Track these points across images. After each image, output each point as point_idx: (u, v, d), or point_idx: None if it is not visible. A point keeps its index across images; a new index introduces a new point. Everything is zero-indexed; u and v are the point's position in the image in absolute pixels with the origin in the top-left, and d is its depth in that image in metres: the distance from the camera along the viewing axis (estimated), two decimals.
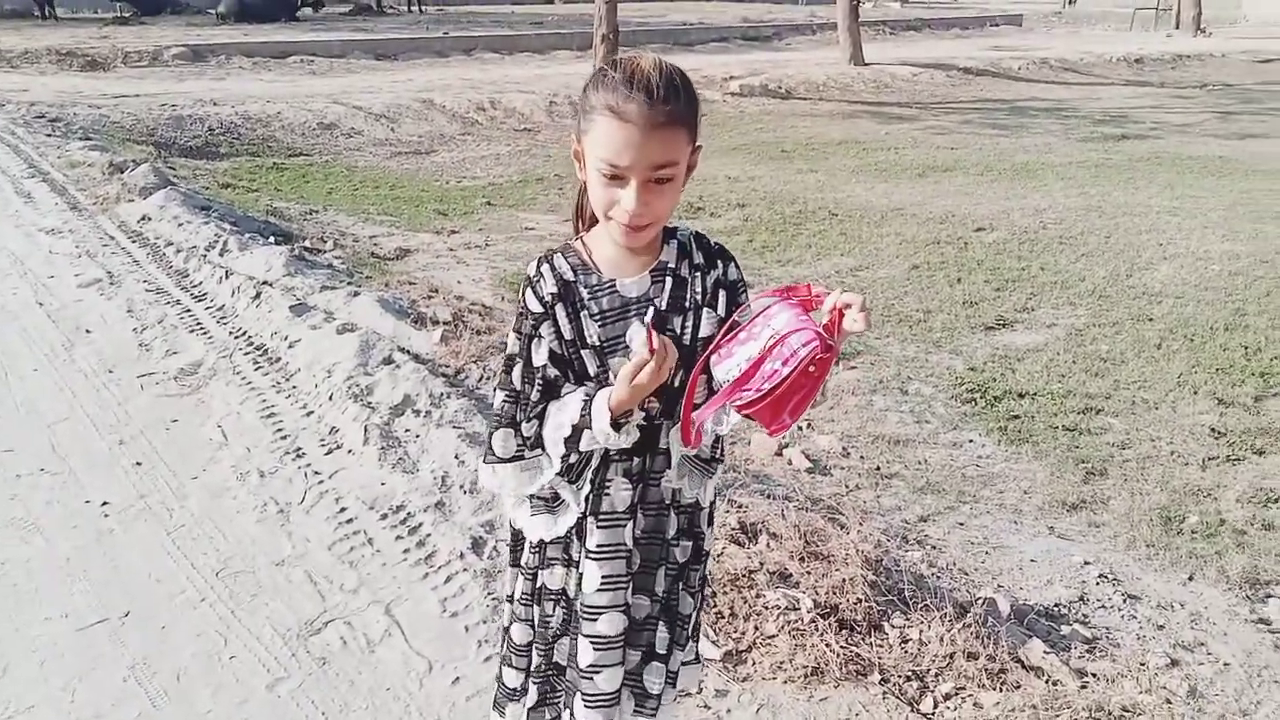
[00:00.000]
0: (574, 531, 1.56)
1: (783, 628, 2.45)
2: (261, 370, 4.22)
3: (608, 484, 1.53)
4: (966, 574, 2.95)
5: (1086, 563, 3.05)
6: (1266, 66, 20.63)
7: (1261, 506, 3.37)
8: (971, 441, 3.90)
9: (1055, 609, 2.81)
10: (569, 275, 1.49)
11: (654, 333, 1.38)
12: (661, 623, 1.63)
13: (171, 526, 3.07)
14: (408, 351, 4.22)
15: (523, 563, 1.64)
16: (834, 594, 2.55)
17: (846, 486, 3.50)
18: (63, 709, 2.31)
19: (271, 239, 6.18)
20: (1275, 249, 6.53)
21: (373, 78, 15.16)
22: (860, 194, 8.43)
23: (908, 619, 2.51)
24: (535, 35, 21.10)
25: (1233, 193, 8.41)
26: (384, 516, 3.10)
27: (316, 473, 3.39)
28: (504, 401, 1.52)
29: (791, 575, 2.65)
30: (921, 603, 2.55)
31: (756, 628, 2.47)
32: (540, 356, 1.48)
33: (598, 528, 1.53)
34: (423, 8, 28.13)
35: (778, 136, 11.71)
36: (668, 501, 1.58)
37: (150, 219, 6.48)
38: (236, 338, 4.57)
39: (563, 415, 1.47)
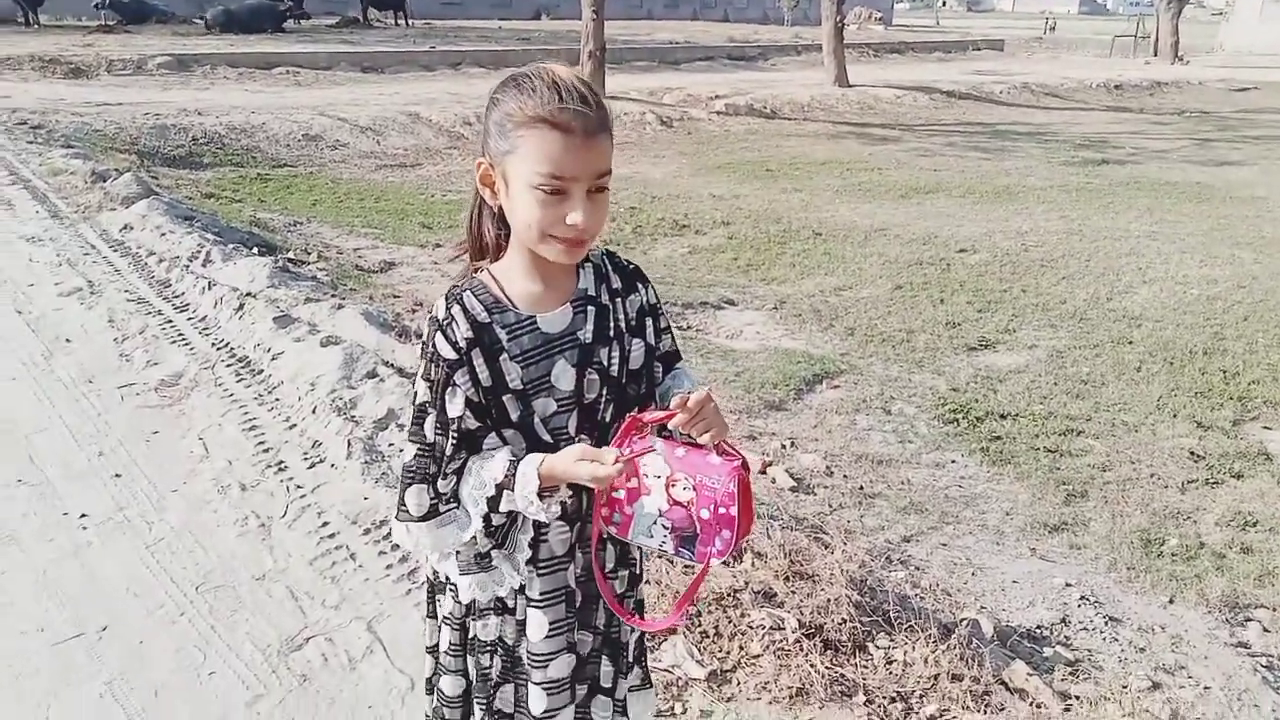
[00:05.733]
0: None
1: (767, 647, 2.44)
2: (244, 382, 4.18)
3: (544, 531, 1.46)
4: (950, 595, 2.96)
5: (1068, 584, 3.06)
6: (1242, 95, 20.99)
7: (1240, 530, 3.40)
8: (954, 462, 3.92)
9: (1038, 631, 2.82)
10: (483, 316, 1.38)
11: (624, 455, 1.34)
12: (604, 655, 1.58)
13: (151, 540, 3.03)
14: (392, 365, 4.20)
15: (448, 614, 1.54)
16: (819, 614, 2.55)
17: (830, 506, 3.51)
18: None
19: (255, 250, 6.15)
20: (1252, 274, 6.62)
21: (359, 90, 15.15)
22: (844, 214, 8.49)
23: (892, 639, 2.52)
24: (522, 50, 21.14)
25: (1210, 218, 8.53)
26: (367, 531, 3.07)
27: (299, 486, 3.36)
28: (417, 455, 1.40)
29: (776, 595, 2.65)
30: (906, 623, 2.55)
31: (741, 647, 2.47)
32: (456, 407, 1.37)
33: (539, 576, 1.47)
34: (409, 22, 28.18)
35: (763, 156, 11.78)
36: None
37: (132, 228, 6.44)
38: (219, 349, 4.53)
39: (485, 473, 1.38)
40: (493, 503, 1.38)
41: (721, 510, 1.36)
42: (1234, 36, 35.55)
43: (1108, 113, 17.59)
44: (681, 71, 20.52)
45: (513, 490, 1.36)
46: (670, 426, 1.38)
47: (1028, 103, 18.51)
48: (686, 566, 2.67)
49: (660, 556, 1.49)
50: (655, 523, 1.40)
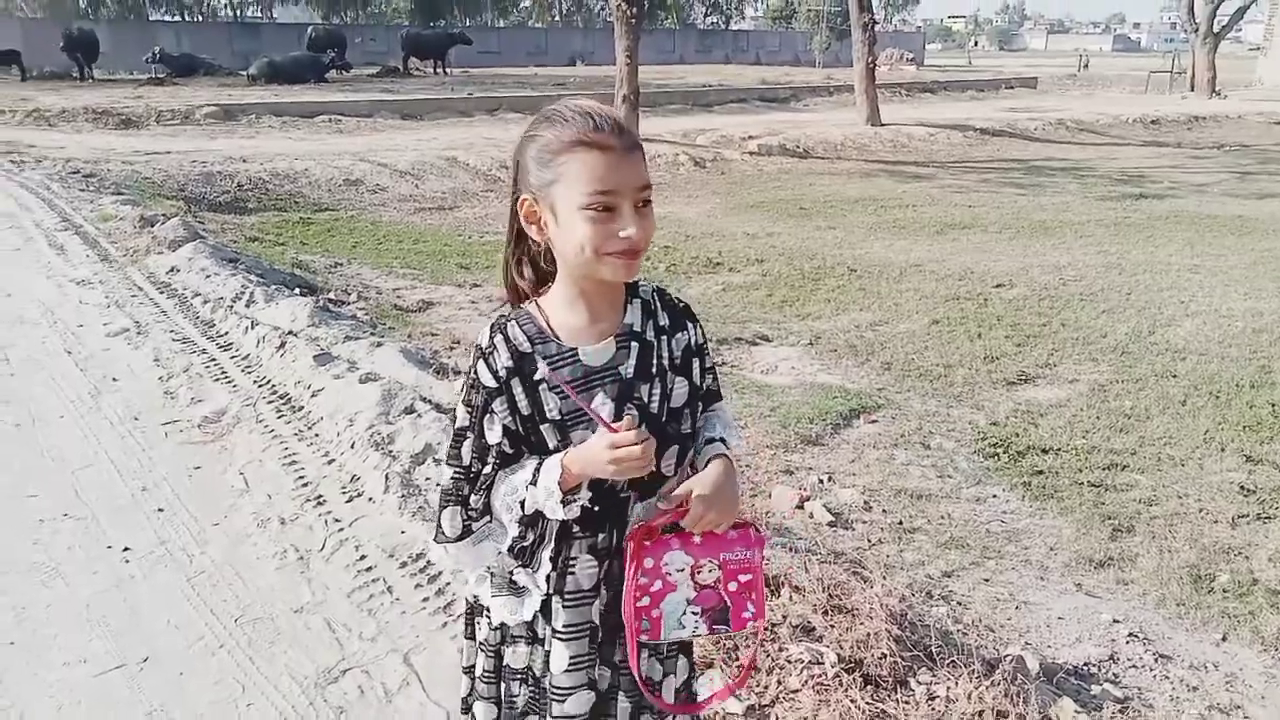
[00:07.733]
0: (538, 610, 1.49)
1: (806, 682, 2.40)
2: (284, 419, 4.24)
3: (572, 562, 1.45)
4: (993, 631, 2.90)
5: (1116, 621, 2.98)
6: None
7: None
8: (995, 497, 3.86)
9: (1085, 668, 2.74)
10: (525, 346, 1.40)
11: (635, 425, 1.35)
12: (622, 693, 1.55)
13: (191, 573, 3.06)
14: (429, 401, 4.24)
15: (484, 639, 1.55)
16: (858, 648, 2.50)
17: (869, 540, 3.46)
18: None
19: (297, 291, 6.28)
20: None
21: (398, 136, 15.49)
22: (879, 250, 8.47)
23: (934, 675, 2.46)
24: (557, 96, 21.44)
25: (1254, 251, 8.39)
26: (403, 565, 3.08)
27: (337, 520, 3.38)
28: (453, 478, 1.43)
29: (815, 629, 2.61)
30: (948, 659, 2.49)
31: (779, 682, 2.43)
32: (494, 435, 1.40)
33: (564, 608, 1.46)
34: (448, 70, 28.83)
35: (796, 194, 11.83)
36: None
37: (179, 270, 6.60)
38: (260, 386, 4.61)
39: (516, 478, 1.40)
40: (524, 505, 1.39)
41: (745, 577, 1.41)
42: (1273, 70, 35.19)
43: (1145, 148, 17.45)
44: (714, 113, 20.74)
45: (535, 484, 1.37)
46: (683, 525, 1.41)
47: (1062, 139, 18.43)
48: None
49: (695, 640, 1.54)
50: (685, 613, 1.42)
